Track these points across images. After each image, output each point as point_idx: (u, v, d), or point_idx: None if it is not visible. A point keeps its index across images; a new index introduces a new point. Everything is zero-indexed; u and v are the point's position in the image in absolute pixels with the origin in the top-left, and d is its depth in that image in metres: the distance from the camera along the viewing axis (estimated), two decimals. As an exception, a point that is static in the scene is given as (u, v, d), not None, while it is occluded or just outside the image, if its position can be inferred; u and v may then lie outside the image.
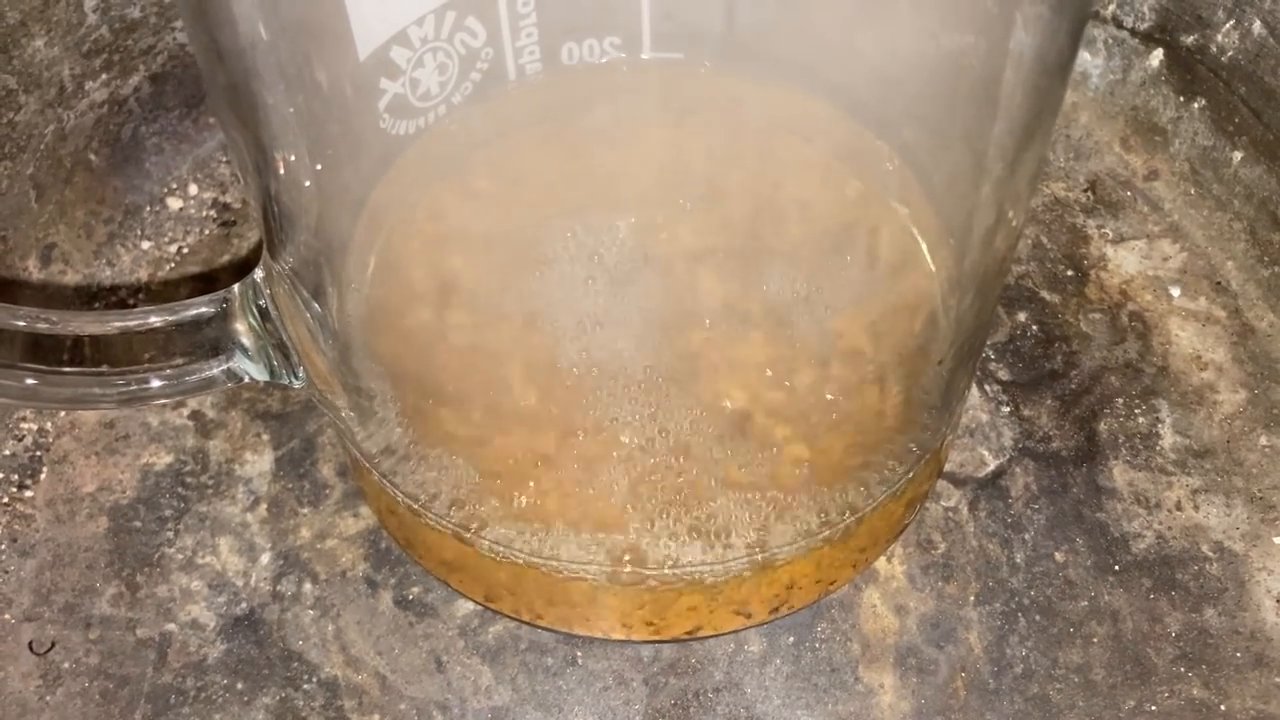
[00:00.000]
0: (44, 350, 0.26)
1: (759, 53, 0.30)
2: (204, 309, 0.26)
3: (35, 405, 0.33)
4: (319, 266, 0.26)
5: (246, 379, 0.27)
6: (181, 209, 0.39)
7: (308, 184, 0.25)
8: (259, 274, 0.26)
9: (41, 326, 0.26)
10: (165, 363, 0.26)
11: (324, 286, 0.26)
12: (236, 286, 0.26)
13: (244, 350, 0.27)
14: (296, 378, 0.27)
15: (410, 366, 0.28)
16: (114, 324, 0.26)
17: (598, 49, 0.30)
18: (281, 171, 0.24)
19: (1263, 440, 0.34)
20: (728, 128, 0.31)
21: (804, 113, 0.30)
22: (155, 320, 0.26)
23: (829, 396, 0.28)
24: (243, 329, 0.26)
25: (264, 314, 0.26)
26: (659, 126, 0.30)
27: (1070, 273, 0.38)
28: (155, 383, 0.26)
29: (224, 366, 0.27)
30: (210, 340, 0.26)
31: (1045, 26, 0.22)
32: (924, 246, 0.28)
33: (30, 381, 0.25)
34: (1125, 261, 0.38)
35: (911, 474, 0.28)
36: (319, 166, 0.25)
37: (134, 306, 0.37)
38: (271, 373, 0.27)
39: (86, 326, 0.26)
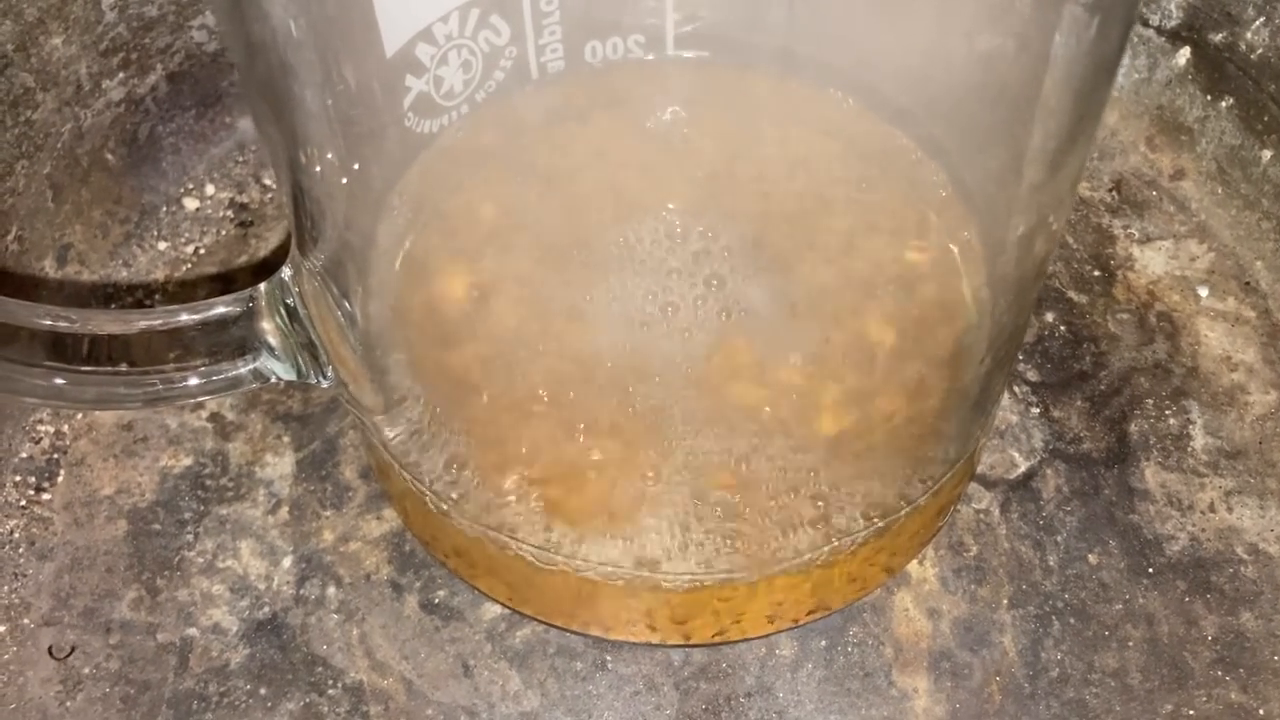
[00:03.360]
0: (65, 350, 0.25)
1: (784, 52, 0.30)
2: (230, 308, 0.26)
3: (60, 405, 0.33)
4: (347, 263, 0.26)
5: (273, 379, 0.27)
6: (198, 209, 0.39)
7: (337, 180, 0.25)
8: (286, 272, 0.26)
9: (63, 325, 0.25)
10: (190, 363, 0.26)
11: (352, 283, 0.26)
12: (263, 285, 0.26)
13: (271, 350, 0.26)
14: (324, 377, 0.27)
15: (438, 364, 0.28)
16: (139, 323, 0.26)
17: (621, 47, 0.30)
18: (315, 168, 0.24)
19: (1295, 441, 0.34)
20: (752, 127, 0.30)
21: (828, 112, 0.30)
22: (184, 318, 0.25)
23: (865, 401, 0.27)
24: (269, 328, 0.26)
25: (291, 313, 0.26)
26: (682, 125, 0.30)
27: (1097, 273, 0.37)
28: (182, 382, 0.26)
29: (250, 366, 0.26)
30: (236, 340, 0.26)
31: (1092, 29, 0.22)
32: (962, 250, 0.28)
33: (59, 381, 0.25)
34: (1152, 262, 0.38)
35: (945, 477, 0.28)
36: (347, 163, 0.25)
37: (151, 307, 0.37)
38: (299, 372, 0.27)
39: (109, 326, 0.26)
